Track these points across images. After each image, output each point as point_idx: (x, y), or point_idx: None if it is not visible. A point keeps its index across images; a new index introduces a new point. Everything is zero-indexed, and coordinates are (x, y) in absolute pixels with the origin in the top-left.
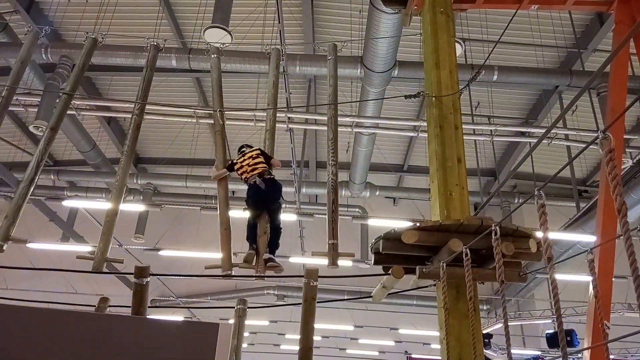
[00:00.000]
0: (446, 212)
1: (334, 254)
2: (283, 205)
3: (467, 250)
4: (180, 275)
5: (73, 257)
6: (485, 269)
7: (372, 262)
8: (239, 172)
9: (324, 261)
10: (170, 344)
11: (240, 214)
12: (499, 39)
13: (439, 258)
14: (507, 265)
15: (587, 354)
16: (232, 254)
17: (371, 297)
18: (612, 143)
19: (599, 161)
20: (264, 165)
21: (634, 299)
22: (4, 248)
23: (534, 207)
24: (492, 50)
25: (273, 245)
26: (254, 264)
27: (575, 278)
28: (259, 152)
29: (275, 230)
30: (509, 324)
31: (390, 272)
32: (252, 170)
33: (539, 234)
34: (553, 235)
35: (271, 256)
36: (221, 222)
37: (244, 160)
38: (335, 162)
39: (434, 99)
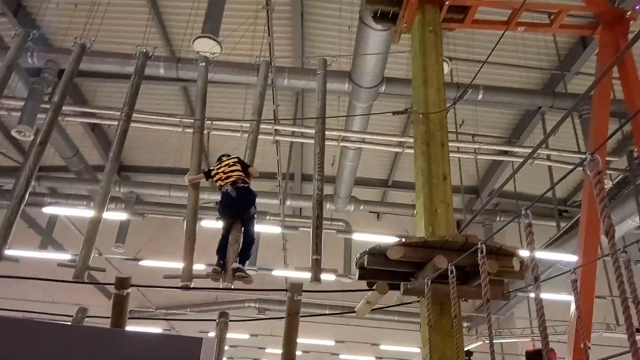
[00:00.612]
0: (431, 228)
1: (317, 269)
2: (267, 217)
3: (453, 267)
4: (162, 287)
5: (52, 265)
6: (469, 286)
7: (357, 277)
8: (215, 180)
9: (307, 275)
10: (151, 357)
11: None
12: (486, 59)
13: (424, 274)
14: (490, 283)
15: None
16: (192, 265)
17: (354, 312)
18: (600, 165)
19: (579, 182)
20: (239, 173)
21: (612, 319)
22: None
23: (515, 225)
24: (480, 69)
25: (243, 256)
26: (219, 279)
27: (555, 297)
28: (236, 160)
29: (248, 240)
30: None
31: (374, 287)
32: (227, 178)
33: (522, 253)
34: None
35: (240, 266)
36: (186, 231)
37: (220, 167)
38: (321, 176)
39: (421, 116)
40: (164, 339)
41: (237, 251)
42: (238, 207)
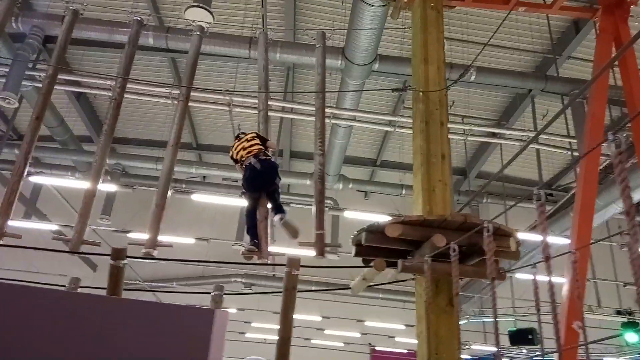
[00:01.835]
0: (429, 207)
1: (321, 244)
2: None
3: (456, 246)
4: (167, 260)
5: (36, 234)
6: (465, 265)
7: (353, 253)
8: (236, 157)
9: (293, 251)
10: (161, 328)
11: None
12: (488, 41)
13: (421, 253)
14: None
15: (557, 356)
16: (158, 234)
17: (348, 288)
18: (622, 145)
19: (565, 165)
20: (260, 146)
21: (594, 301)
22: None
23: (501, 206)
24: (480, 52)
25: (279, 206)
26: (254, 259)
27: (543, 278)
28: (254, 135)
29: (279, 203)
30: (472, 321)
31: (371, 264)
32: (248, 153)
33: (519, 234)
34: (524, 235)
35: (284, 217)
36: (156, 198)
37: (240, 144)
38: (323, 152)
39: (420, 94)
40: (174, 309)
41: (266, 227)
42: (264, 179)
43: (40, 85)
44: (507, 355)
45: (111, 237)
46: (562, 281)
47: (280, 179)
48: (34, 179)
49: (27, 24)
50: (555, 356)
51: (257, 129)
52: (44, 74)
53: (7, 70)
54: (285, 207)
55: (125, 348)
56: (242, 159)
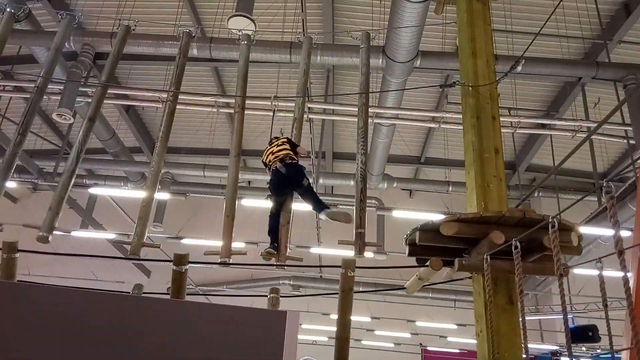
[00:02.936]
0: (483, 204)
1: (361, 243)
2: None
3: (517, 243)
4: (215, 264)
5: (92, 243)
6: (525, 261)
7: (407, 253)
8: (265, 160)
9: (343, 252)
10: (235, 331)
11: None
12: (539, 31)
13: (478, 250)
14: (546, 258)
15: (625, 354)
16: (231, 243)
17: (404, 288)
18: None
19: (620, 155)
20: (288, 151)
21: None
22: (49, 239)
23: (553, 200)
24: (532, 42)
25: (321, 205)
26: (272, 260)
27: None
28: (285, 140)
29: (316, 202)
30: (528, 319)
31: (427, 264)
32: (275, 157)
33: (580, 228)
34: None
35: (327, 210)
36: (226, 209)
37: (270, 148)
38: (365, 151)
39: (470, 88)
40: (247, 312)
41: (288, 232)
42: (289, 183)
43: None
44: (565, 353)
45: (165, 243)
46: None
47: (308, 180)
48: (93, 190)
49: (78, 43)
50: (624, 354)
51: (290, 134)
52: (95, 90)
53: (62, 87)
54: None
55: (201, 350)
56: (270, 163)
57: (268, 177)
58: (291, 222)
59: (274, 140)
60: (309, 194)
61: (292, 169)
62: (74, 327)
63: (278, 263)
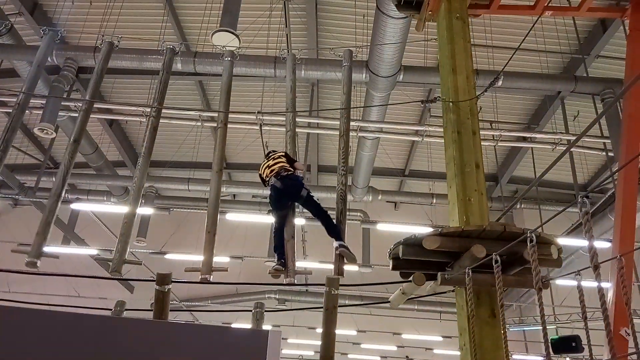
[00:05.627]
0: (465, 217)
1: (340, 263)
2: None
3: (497, 257)
4: (194, 282)
5: (75, 260)
6: (507, 275)
7: (390, 267)
8: (262, 175)
9: (329, 266)
10: (217, 351)
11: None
12: (519, 46)
13: (460, 264)
14: (527, 271)
15: None
16: (212, 258)
17: (388, 302)
18: None
19: (599, 167)
20: (282, 164)
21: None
22: (37, 265)
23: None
24: (511, 58)
25: (336, 231)
26: (280, 278)
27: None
28: (282, 154)
29: (324, 216)
30: (512, 330)
31: (411, 278)
32: (271, 172)
33: (559, 241)
34: (562, 241)
35: (342, 243)
36: (207, 224)
37: (266, 163)
38: (346, 171)
39: (451, 104)
40: (228, 332)
41: (294, 247)
42: (287, 196)
43: (76, 114)
44: None
45: (148, 258)
46: (605, 286)
47: (307, 190)
48: (76, 205)
49: (61, 57)
50: None
51: (284, 148)
52: (79, 104)
53: (44, 102)
54: (314, 222)
55: None
56: (267, 178)
57: (253, 191)
58: (296, 237)
59: (270, 154)
60: (312, 204)
61: (288, 181)
62: (54, 351)
63: (287, 279)
